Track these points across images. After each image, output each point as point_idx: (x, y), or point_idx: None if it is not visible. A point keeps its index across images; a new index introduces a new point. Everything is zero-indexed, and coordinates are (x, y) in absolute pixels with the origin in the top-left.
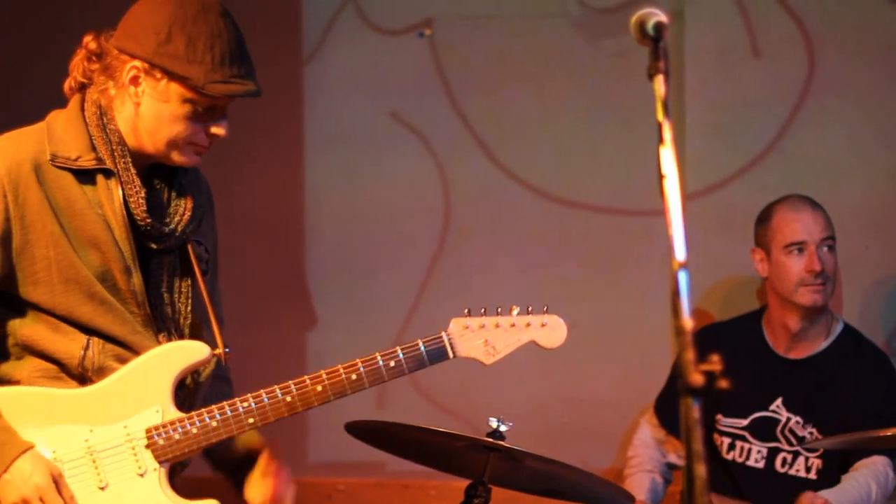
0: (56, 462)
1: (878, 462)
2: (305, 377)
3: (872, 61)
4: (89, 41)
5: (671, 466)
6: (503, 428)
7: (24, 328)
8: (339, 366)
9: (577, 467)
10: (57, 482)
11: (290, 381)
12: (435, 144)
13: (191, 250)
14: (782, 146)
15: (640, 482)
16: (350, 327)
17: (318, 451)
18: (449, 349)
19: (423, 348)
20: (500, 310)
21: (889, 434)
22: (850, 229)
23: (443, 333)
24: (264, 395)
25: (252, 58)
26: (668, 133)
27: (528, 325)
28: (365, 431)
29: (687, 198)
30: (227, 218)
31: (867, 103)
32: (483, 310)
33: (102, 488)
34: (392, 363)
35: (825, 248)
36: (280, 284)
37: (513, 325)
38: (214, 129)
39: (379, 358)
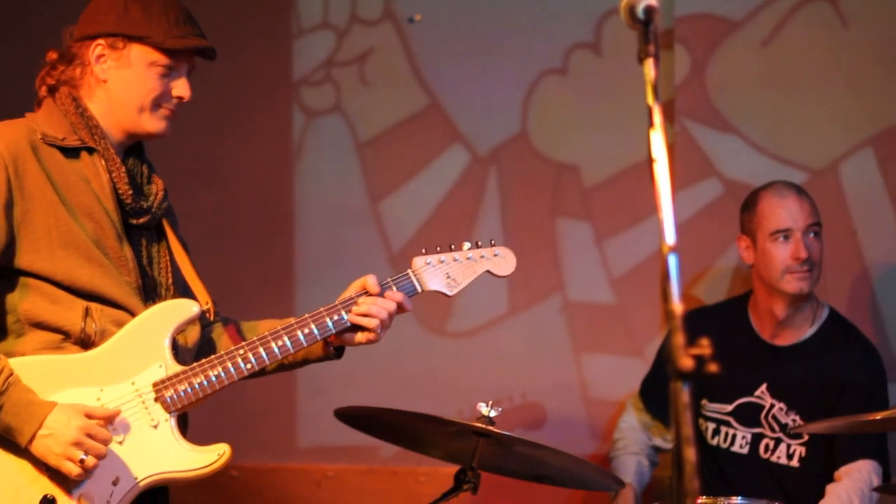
0: None
1: (863, 469)
2: (292, 319)
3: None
4: (51, 53)
5: (657, 449)
6: (492, 413)
7: (24, 303)
8: (322, 308)
9: (565, 452)
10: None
11: (279, 327)
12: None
13: (166, 225)
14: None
15: (626, 464)
16: None
17: (308, 438)
18: (416, 284)
19: (393, 287)
20: (452, 246)
21: (874, 418)
22: (837, 215)
23: (408, 271)
24: (257, 341)
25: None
26: (657, 117)
27: (482, 256)
28: (354, 417)
29: (678, 183)
30: (218, 209)
31: (858, 88)
32: (437, 248)
33: (120, 442)
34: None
35: (811, 235)
36: (270, 276)
37: (468, 258)
38: (178, 90)
39: (357, 300)
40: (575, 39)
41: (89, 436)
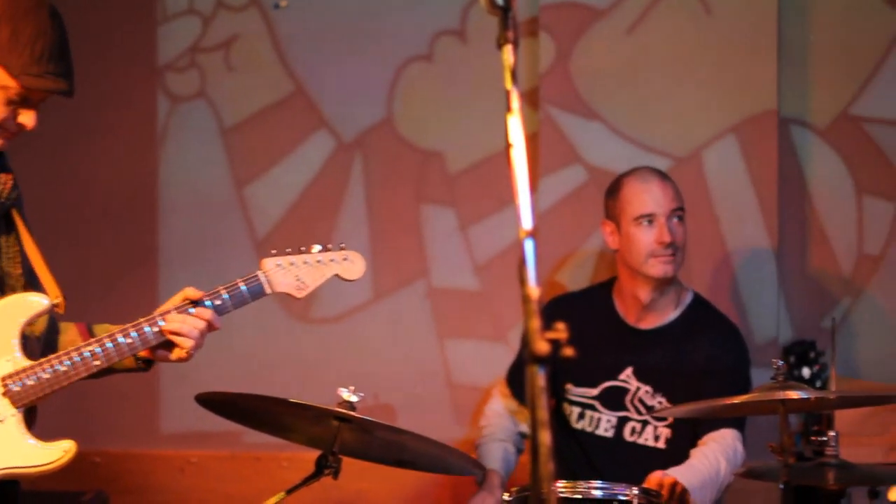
0: None
1: (727, 435)
2: (141, 319)
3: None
4: None
5: (523, 436)
6: (353, 399)
7: None
8: (173, 307)
9: (428, 438)
10: None
11: (129, 325)
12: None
13: (15, 215)
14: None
15: (492, 452)
16: None
17: (171, 424)
18: (266, 285)
19: (243, 287)
20: (302, 248)
21: (736, 402)
22: (700, 202)
23: (258, 272)
24: (106, 339)
25: (73, 62)
26: (515, 102)
27: (332, 260)
28: (216, 403)
29: (542, 170)
30: (81, 196)
31: (721, 76)
32: (287, 249)
33: None
34: (218, 301)
35: (675, 220)
36: (133, 263)
37: (318, 262)
38: (22, 118)
39: (206, 299)
40: (440, 26)
41: None
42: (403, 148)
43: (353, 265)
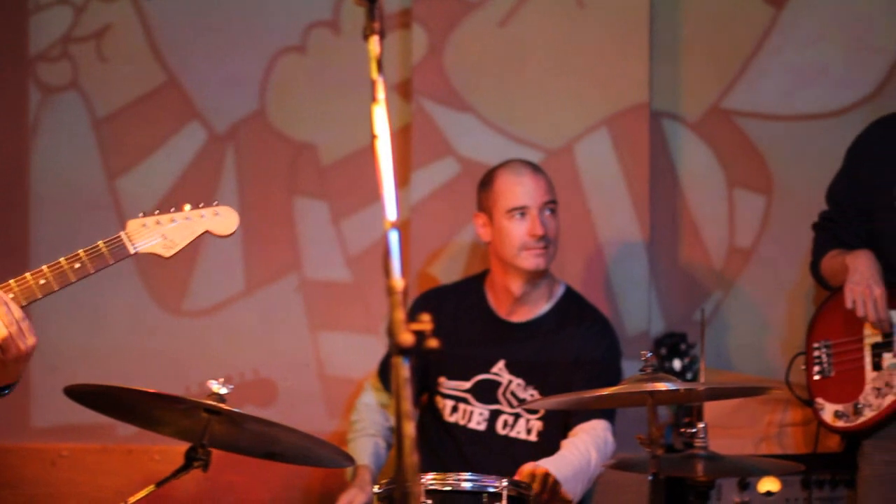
0: None
1: (597, 426)
2: None
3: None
4: None
5: (394, 430)
6: (223, 391)
7: None
8: (28, 273)
9: (298, 430)
10: None
11: None
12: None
13: None
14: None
15: (363, 446)
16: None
17: (41, 416)
18: (129, 245)
19: (104, 248)
20: (173, 209)
21: (605, 394)
22: (572, 195)
23: (121, 233)
24: None
25: None
26: (381, 92)
27: (202, 216)
28: (85, 395)
29: (414, 162)
30: None
31: (594, 69)
32: (157, 210)
33: None
34: (77, 265)
35: (547, 212)
36: (3, 256)
37: (187, 219)
38: None
39: (63, 262)
40: (313, 17)
41: None
42: (276, 140)
43: (224, 220)
